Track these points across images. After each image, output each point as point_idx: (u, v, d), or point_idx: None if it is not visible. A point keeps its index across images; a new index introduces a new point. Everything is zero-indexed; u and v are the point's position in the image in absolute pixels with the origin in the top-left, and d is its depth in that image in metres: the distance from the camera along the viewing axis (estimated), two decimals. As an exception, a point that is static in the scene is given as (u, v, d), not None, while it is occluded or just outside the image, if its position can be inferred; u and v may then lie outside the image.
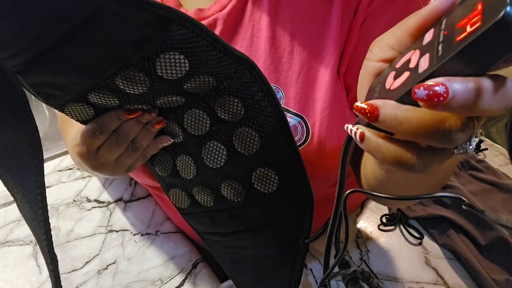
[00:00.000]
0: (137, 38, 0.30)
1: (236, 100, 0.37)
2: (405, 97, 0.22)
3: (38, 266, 0.60)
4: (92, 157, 0.41)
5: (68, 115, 0.38)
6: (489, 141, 0.86)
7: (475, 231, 0.62)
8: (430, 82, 0.20)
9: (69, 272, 0.59)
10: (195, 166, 0.43)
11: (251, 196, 0.42)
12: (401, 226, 0.64)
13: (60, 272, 0.58)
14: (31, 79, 0.32)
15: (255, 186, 0.41)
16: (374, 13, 0.43)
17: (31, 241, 0.63)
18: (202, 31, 0.31)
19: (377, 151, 0.25)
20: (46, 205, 0.36)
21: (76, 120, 0.39)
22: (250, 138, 0.38)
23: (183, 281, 0.57)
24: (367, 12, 0.43)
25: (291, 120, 0.45)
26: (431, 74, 0.21)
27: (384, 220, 0.65)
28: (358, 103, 0.24)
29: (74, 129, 0.45)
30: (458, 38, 0.19)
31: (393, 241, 0.62)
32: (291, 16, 0.45)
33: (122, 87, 0.34)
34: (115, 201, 0.71)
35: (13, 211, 0.69)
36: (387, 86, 0.25)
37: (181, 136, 0.41)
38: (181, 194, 0.47)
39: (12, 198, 0.70)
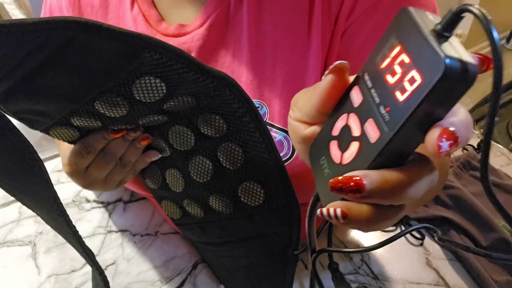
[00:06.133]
0: (110, 66, 0.30)
1: (218, 117, 0.36)
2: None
3: (37, 267, 0.59)
4: (82, 176, 0.42)
5: (54, 138, 0.38)
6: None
7: (476, 232, 0.62)
8: (443, 135, 0.19)
9: (68, 272, 0.58)
10: (183, 179, 0.43)
11: (239, 209, 0.42)
12: (402, 227, 0.64)
13: (59, 273, 0.58)
14: (12, 108, 0.33)
15: (242, 199, 0.41)
16: (355, 24, 0.42)
17: (30, 242, 0.63)
18: (175, 54, 0.30)
19: (364, 222, 0.22)
20: (65, 210, 0.37)
21: (63, 141, 0.39)
22: (234, 153, 0.38)
23: (183, 282, 0.57)
24: (347, 23, 0.42)
25: (277, 135, 0.45)
26: (390, 141, 0.19)
27: (384, 220, 0.65)
28: (332, 180, 0.22)
29: (64, 148, 0.45)
30: (402, 99, 0.19)
31: (394, 242, 0.61)
32: (272, 29, 0.44)
33: (102, 111, 0.34)
34: (115, 202, 0.71)
35: (12, 211, 0.69)
36: (336, 161, 0.23)
37: (168, 151, 0.42)
38: (172, 206, 0.48)
39: (11, 198, 0.71)
